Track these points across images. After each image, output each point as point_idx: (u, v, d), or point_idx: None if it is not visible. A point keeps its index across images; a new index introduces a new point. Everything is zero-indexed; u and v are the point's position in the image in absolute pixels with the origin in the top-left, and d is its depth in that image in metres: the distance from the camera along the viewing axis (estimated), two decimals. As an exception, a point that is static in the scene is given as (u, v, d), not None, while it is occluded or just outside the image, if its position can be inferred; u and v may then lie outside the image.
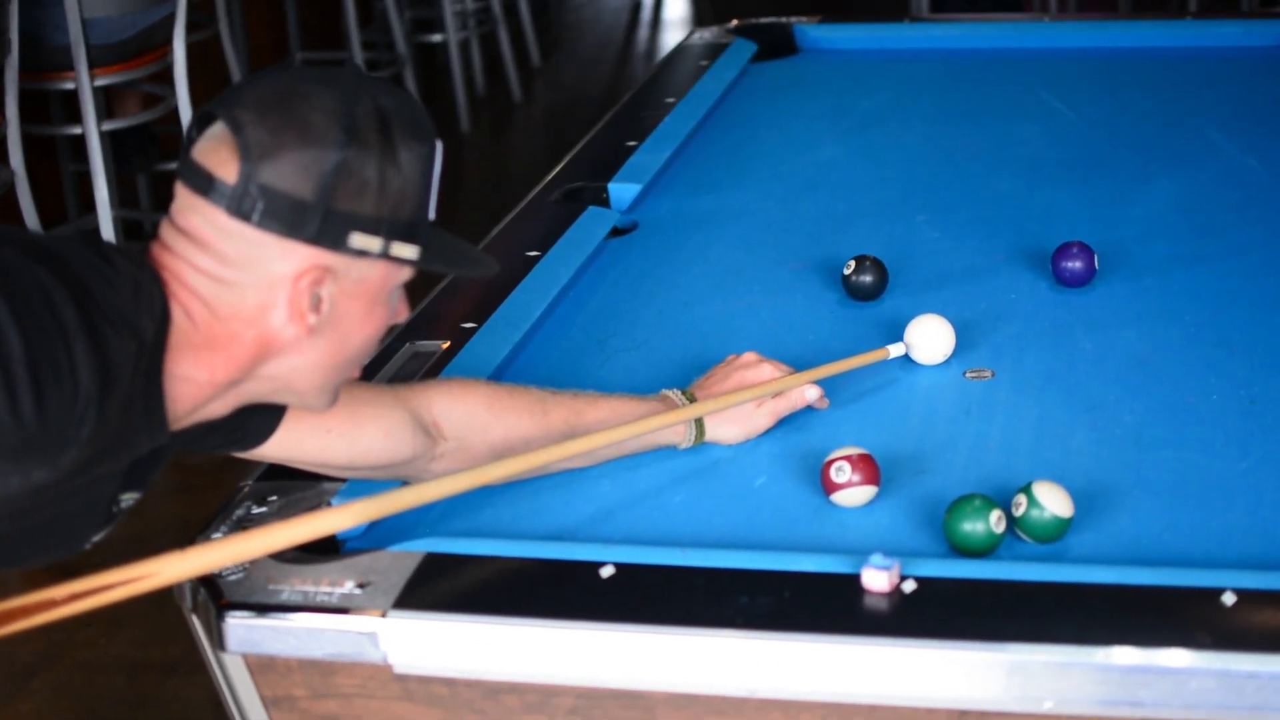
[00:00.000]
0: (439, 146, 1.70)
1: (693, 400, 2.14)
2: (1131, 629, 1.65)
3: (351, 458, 1.93)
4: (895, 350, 2.31)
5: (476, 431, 2.01)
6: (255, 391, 1.72)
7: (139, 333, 1.59)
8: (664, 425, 2.06)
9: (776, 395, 2.17)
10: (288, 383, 1.72)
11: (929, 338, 2.35)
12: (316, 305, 1.65)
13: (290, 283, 1.64)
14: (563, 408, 2.07)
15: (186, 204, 1.64)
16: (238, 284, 1.64)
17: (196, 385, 1.66)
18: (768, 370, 2.19)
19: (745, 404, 2.15)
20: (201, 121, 1.66)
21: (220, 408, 1.72)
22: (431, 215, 1.70)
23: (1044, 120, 3.51)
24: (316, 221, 1.61)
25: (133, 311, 1.59)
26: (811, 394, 2.20)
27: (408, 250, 1.67)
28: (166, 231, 1.66)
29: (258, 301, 1.64)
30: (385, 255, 1.66)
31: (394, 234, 1.65)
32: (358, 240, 1.64)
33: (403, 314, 1.77)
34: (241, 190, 1.60)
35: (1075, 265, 2.60)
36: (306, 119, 1.61)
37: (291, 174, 1.60)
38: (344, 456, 1.93)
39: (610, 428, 2.02)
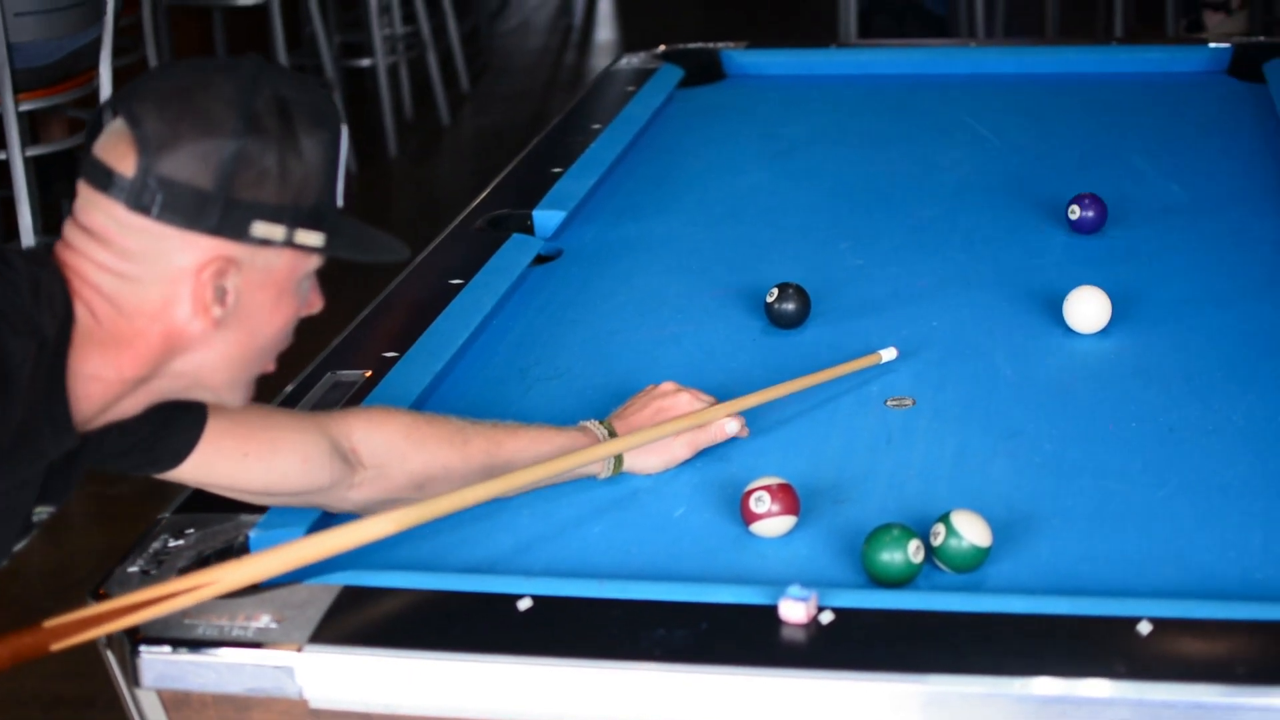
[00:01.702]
0: (344, 132, 1.69)
1: (612, 431, 2.13)
2: (1049, 659, 1.66)
3: (268, 483, 1.92)
4: (887, 355, 2.38)
5: (395, 460, 2.00)
6: (167, 389, 1.70)
7: (38, 331, 1.58)
8: (589, 460, 2.06)
9: (699, 427, 2.17)
10: (198, 378, 1.70)
11: (1088, 306, 2.49)
12: (221, 297, 1.64)
13: (193, 275, 1.62)
14: (482, 437, 2.06)
15: (88, 201, 1.63)
16: (141, 279, 1.62)
17: (104, 383, 1.65)
18: (685, 399, 2.19)
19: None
20: (101, 117, 1.64)
21: (131, 405, 1.70)
22: (339, 202, 1.69)
23: (969, 146, 3.52)
24: (217, 212, 1.60)
25: (32, 310, 1.58)
26: (731, 427, 2.19)
27: (313, 238, 1.66)
28: (70, 230, 1.65)
29: (161, 296, 1.63)
30: (290, 243, 1.64)
31: (298, 222, 1.64)
32: (260, 229, 1.62)
33: (315, 304, 1.75)
34: (140, 183, 1.59)
35: (1088, 214, 2.91)
36: (204, 109, 1.60)
37: (189, 164, 1.59)
38: (260, 481, 1.92)
39: (529, 458, 2.03)
